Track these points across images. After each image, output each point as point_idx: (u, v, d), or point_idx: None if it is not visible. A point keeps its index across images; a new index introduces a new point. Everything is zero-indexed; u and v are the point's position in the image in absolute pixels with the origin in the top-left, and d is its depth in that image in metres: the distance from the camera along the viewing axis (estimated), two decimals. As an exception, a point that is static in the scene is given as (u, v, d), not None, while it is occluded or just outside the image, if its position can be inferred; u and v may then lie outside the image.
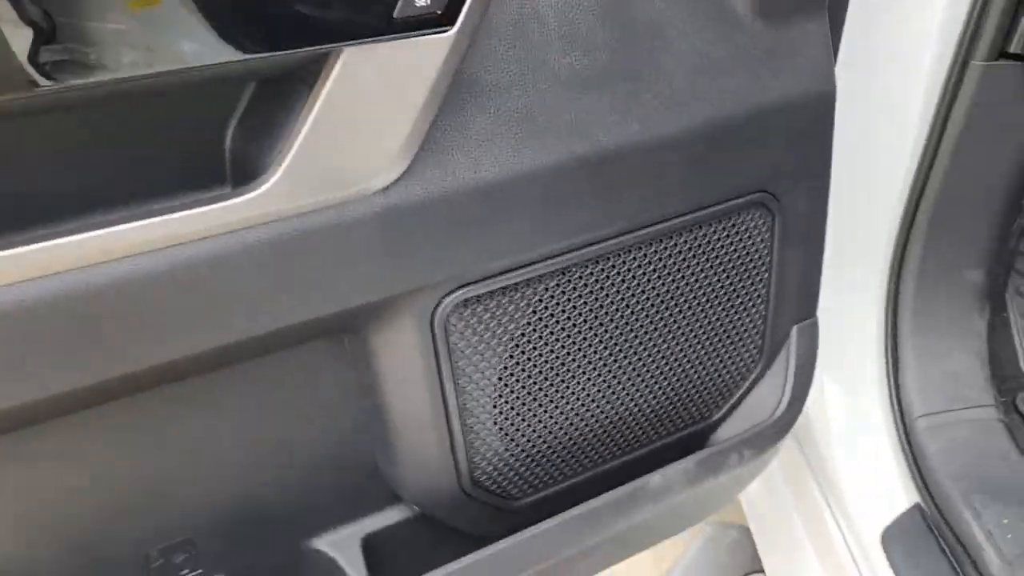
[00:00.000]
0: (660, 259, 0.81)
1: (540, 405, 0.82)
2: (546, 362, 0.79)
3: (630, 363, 0.86)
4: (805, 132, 0.82)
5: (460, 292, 0.70)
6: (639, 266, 0.80)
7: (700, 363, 0.91)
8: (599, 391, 0.85)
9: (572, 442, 0.87)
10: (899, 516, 1.10)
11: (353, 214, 0.62)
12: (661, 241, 0.80)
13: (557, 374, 0.81)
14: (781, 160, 0.82)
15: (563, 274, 0.76)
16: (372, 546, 0.85)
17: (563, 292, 0.77)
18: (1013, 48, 0.94)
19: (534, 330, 0.77)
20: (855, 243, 1.16)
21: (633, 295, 0.81)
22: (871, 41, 1.05)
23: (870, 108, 1.07)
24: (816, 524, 1.24)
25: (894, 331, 1.14)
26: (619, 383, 0.86)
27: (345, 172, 0.60)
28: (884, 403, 1.14)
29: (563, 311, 0.78)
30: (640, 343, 0.85)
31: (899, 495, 1.12)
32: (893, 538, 1.09)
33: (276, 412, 0.75)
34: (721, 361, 0.92)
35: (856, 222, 1.15)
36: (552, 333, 0.78)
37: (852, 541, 1.16)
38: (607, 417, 0.88)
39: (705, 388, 0.93)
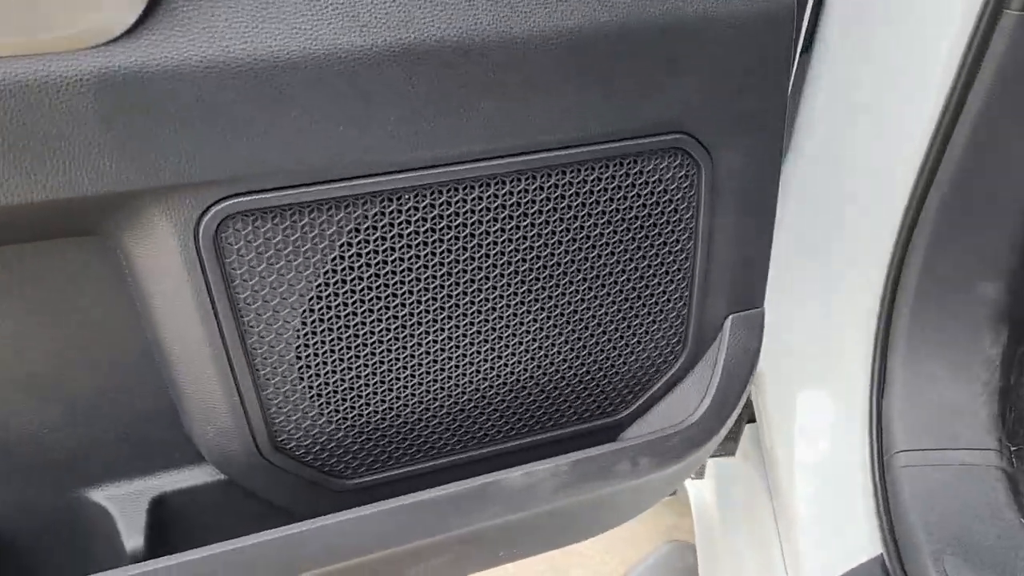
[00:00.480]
0: (538, 199, 0.64)
1: (372, 366, 0.66)
2: (377, 312, 0.64)
3: (503, 327, 0.69)
4: (745, 62, 0.64)
5: (232, 202, 0.55)
6: (508, 204, 0.63)
7: (597, 341, 0.74)
8: (461, 357, 0.69)
9: (423, 417, 0.71)
10: (856, 568, 0.90)
11: (61, 71, 0.48)
12: (537, 176, 0.63)
13: (396, 329, 0.65)
14: (708, 95, 0.64)
15: (394, 200, 0.60)
16: (162, 508, 0.71)
17: (399, 223, 0.61)
18: (1060, -4, 0.73)
19: (354, 267, 0.61)
20: (849, 236, 0.95)
21: (505, 240, 0.65)
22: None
23: (875, 72, 0.87)
24: (764, 560, 1.05)
25: (884, 347, 0.94)
26: (487, 350, 0.70)
27: (46, 9, 0.46)
28: (863, 432, 0.94)
29: (399, 247, 0.62)
30: (517, 303, 0.68)
31: (861, 542, 0.92)
32: (846, 594, 0.90)
33: (42, 328, 0.62)
34: (626, 344, 0.75)
35: (851, 210, 0.95)
36: (384, 275, 0.62)
37: (799, 587, 0.96)
38: (471, 392, 0.71)
39: (605, 375, 0.76)
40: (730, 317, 0.77)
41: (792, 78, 0.89)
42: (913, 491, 0.88)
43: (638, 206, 0.67)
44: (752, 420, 1.17)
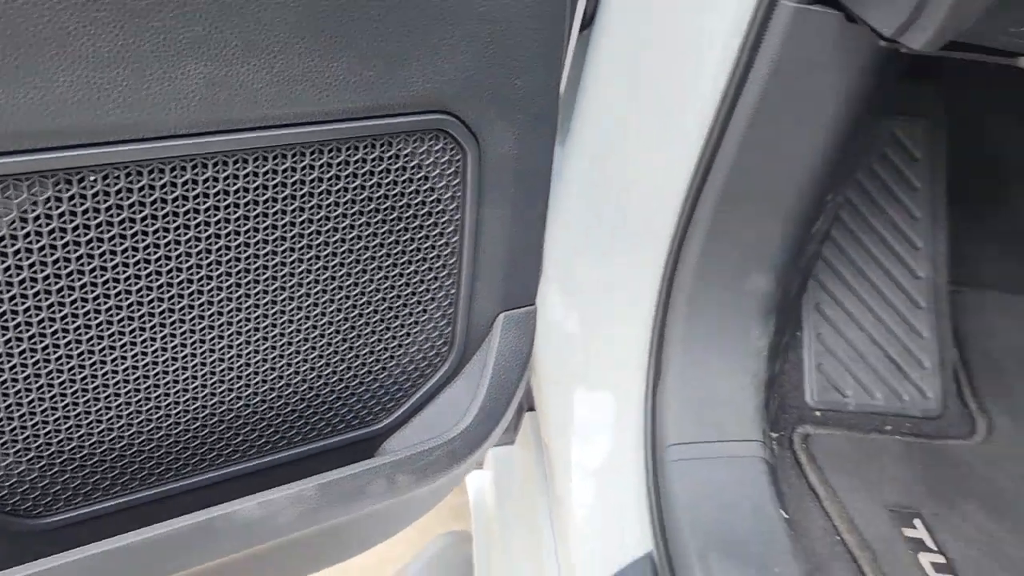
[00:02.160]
0: (270, 185, 0.54)
1: (62, 382, 0.53)
2: (65, 315, 0.51)
3: (235, 329, 0.58)
4: (516, 38, 0.56)
5: None
6: (233, 191, 0.52)
7: (352, 344, 0.65)
8: (183, 366, 0.58)
9: (135, 439, 0.59)
10: (626, 567, 0.89)
11: None
12: (269, 158, 0.53)
13: (91, 337, 0.53)
14: (474, 72, 0.56)
15: (74, 181, 0.47)
16: None
17: (83, 210, 0.48)
18: (832, -8, 0.72)
19: (23, 263, 0.48)
20: (627, 230, 0.92)
21: (230, 232, 0.54)
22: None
23: (655, 59, 0.83)
24: (537, 556, 1.02)
25: (660, 341, 0.92)
26: (215, 358, 0.59)
27: None
28: (638, 426, 0.92)
29: (83, 240, 0.49)
30: (251, 304, 0.58)
31: (634, 539, 0.90)
32: (615, 593, 0.88)
33: None
34: (386, 347, 0.66)
35: (630, 203, 0.92)
36: (67, 272, 0.50)
37: (571, 585, 0.94)
38: (197, 407, 0.60)
39: (362, 382, 0.67)
40: (501, 316, 0.70)
41: (570, 57, 0.83)
42: (683, 486, 0.87)
43: (395, 194, 0.59)
44: (532, 408, 1.14)
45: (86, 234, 0.49)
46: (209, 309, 0.56)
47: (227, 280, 0.56)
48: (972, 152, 1.19)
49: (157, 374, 0.57)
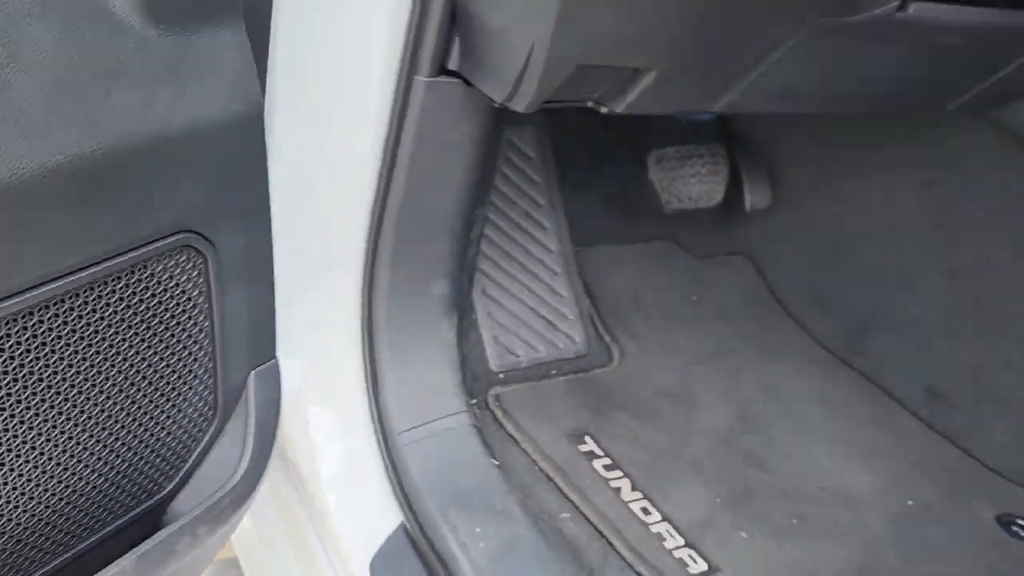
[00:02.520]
0: (58, 322, 0.63)
1: None
2: None
3: (34, 439, 0.66)
4: (230, 160, 0.70)
5: None
6: (32, 333, 0.61)
7: (140, 430, 0.75)
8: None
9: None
10: (386, 540, 1.08)
11: None
12: (51, 306, 0.62)
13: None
14: (204, 194, 0.69)
15: None
16: None
17: None
18: (451, 65, 0.93)
19: None
20: (329, 262, 1.09)
21: (31, 363, 0.62)
22: (313, 55, 0.97)
23: (323, 127, 1.00)
24: (307, 559, 1.17)
25: (371, 350, 1.11)
26: (19, 464, 0.66)
27: None
28: (367, 425, 1.10)
29: None
30: (48, 414, 0.66)
31: (387, 518, 1.09)
32: (381, 564, 1.06)
33: None
34: (165, 425, 0.77)
35: (327, 240, 1.08)
36: None
37: (342, 572, 1.11)
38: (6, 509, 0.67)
39: (144, 461, 0.77)
40: (252, 374, 0.84)
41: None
42: (416, 463, 1.08)
43: (154, 304, 0.70)
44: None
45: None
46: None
47: (14, 409, 0.63)
48: (568, 142, 1.52)
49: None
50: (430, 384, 1.14)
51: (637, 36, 0.80)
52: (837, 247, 1.53)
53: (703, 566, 1.04)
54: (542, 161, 1.42)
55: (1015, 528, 1.17)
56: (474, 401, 1.22)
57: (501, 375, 1.29)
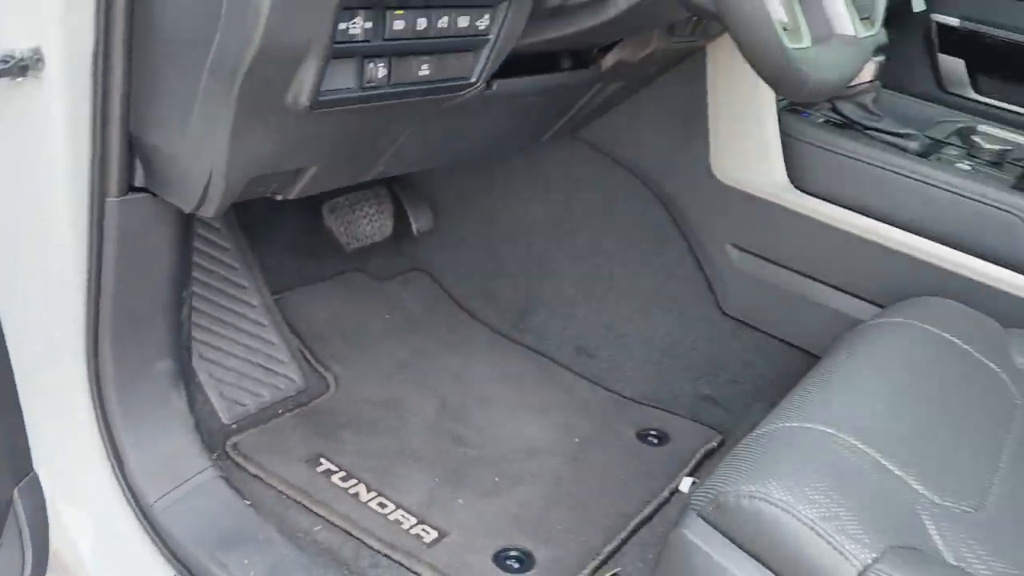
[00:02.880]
0: None
1: None
2: None
3: None
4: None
5: None
6: None
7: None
8: None
9: None
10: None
11: None
12: None
13: None
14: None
15: None
16: None
17: None
18: (138, 183, 1.08)
19: None
20: (56, 367, 1.17)
21: None
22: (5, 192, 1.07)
23: (27, 253, 1.10)
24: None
25: (110, 437, 1.22)
26: None
27: None
28: (122, 506, 1.22)
29: None
30: None
31: (161, 578, 1.23)
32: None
33: None
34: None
35: (53, 351, 1.17)
36: None
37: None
38: None
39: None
40: (15, 490, 0.95)
41: None
42: (176, 524, 1.22)
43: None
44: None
45: None
46: None
47: None
48: (249, 204, 1.69)
49: None
50: (172, 452, 1.28)
51: (294, 152, 1.02)
52: (492, 251, 1.88)
53: (435, 534, 1.31)
54: (228, 228, 1.59)
55: (648, 438, 1.58)
56: (215, 455, 1.37)
57: (234, 426, 1.45)
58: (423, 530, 1.32)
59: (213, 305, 1.50)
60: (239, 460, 1.39)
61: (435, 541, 1.30)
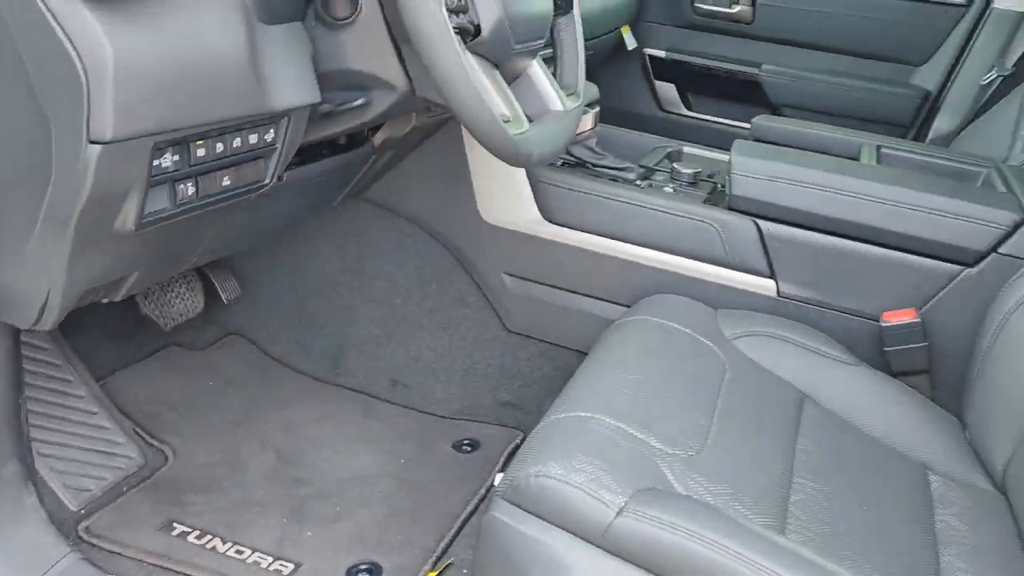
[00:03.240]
0: None
1: None
2: None
3: None
4: None
5: None
6: None
7: None
8: None
9: None
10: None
11: None
12: None
13: None
14: None
15: None
16: None
17: None
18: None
19: None
20: None
21: None
22: None
23: None
24: None
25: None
26: None
27: None
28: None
29: None
30: None
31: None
32: None
33: None
34: None
35: None
36: None
37: None
38: None
39: None
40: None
41: None
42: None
43: None
44: None
45: None
46: None
47: None
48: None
49: None
50: (32, 547, 1.39)
51: (122, 265, 1.19)
52: (300, 306, 2.07)
53: (291, 566, 1.50)
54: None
55: (463, 448, 1.85)
56: (70, 541, 1.48)
57: (82, 511, 1.56)
58: (280, 565, 1.50)
59: (44, 403, 1.59)
60: (95, 541, 1.51)
61: (292, 572, 1.49)
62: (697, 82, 2.99)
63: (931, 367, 1.59)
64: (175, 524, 1.56)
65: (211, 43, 1.04)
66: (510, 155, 1.22)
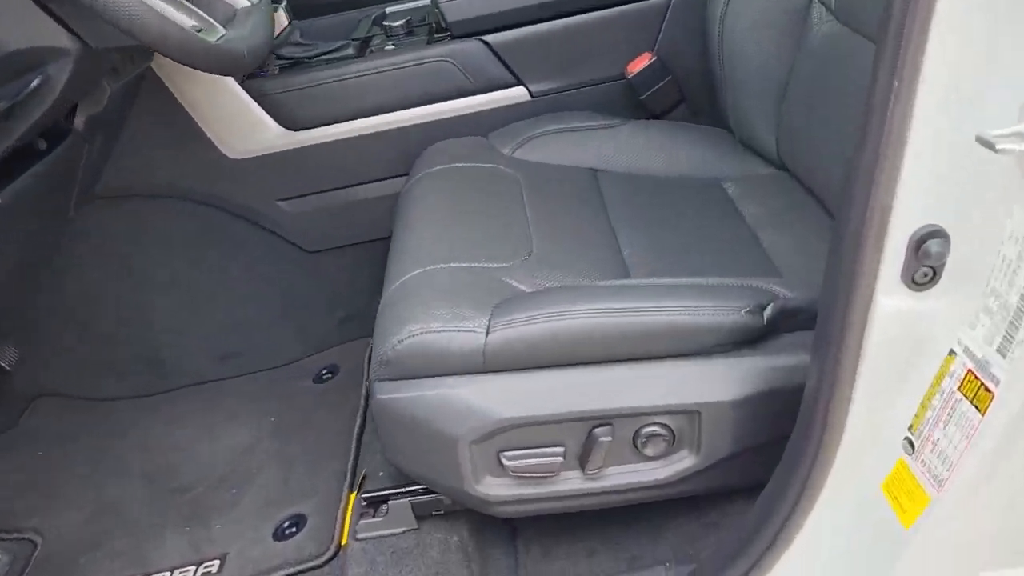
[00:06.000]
0: None
1: None
2: None
3: None
4: None
5: None
6: None
7: None
8: None
9: None
10: None
11: None
12: None
13: None
14: None
15: None
16: None
17: None
18: None
19: None
20: None
21: None
22: None
23: None
24: None
25: None
26: None
27: None
28: None
29: None
30: None
31: None
32: None
33: None
34: None
35: None
36: None
37: None
38: None
39: None
40: None
41: None
42: None
43: None
44: None
45: None
46: None
47: None
48: None
49: None
50: None
51: None
52: (87, 333, 1.89)
53: (217, 562, 1.44)
54: None
55: (324, 377, 1.81)
56: None
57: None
58: (205, 568, 1.44)
59: None
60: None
61: (221, 566, 1.43)
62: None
63: (685, 96, 1.71)
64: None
65: None
66: (221, 63, 1.15)
